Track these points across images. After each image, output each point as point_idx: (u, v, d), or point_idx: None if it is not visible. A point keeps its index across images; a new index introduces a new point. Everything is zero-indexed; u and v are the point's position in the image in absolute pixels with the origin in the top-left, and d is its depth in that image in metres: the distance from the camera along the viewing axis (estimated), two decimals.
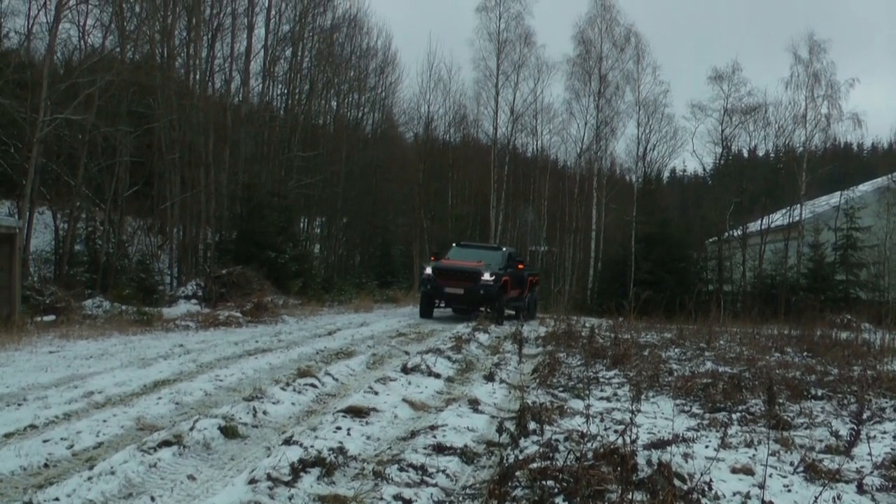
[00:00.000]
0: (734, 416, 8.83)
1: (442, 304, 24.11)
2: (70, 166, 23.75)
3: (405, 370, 11.20)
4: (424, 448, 6.80)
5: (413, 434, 7.50)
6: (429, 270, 23.46)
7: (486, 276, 22.63)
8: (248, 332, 17.27)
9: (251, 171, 30.88)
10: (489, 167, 42.17)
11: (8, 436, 6.84)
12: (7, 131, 22.75)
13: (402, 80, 49.48)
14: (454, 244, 27.72)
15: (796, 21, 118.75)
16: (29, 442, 6.51)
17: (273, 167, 33.09)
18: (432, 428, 7.54)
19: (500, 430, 6.87)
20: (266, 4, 31.85)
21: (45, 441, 6.54)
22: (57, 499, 5.09)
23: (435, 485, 5.87)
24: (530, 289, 27.33)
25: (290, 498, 5.28)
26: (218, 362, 11.85)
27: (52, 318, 17.30)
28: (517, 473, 5.84)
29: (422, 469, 6.13)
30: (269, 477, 5.51)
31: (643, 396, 9.89)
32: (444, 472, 6.12)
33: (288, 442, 6.61)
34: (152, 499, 5.30)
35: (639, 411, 8.60)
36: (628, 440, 6.22)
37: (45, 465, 6.00)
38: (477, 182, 45.32)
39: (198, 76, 30.05)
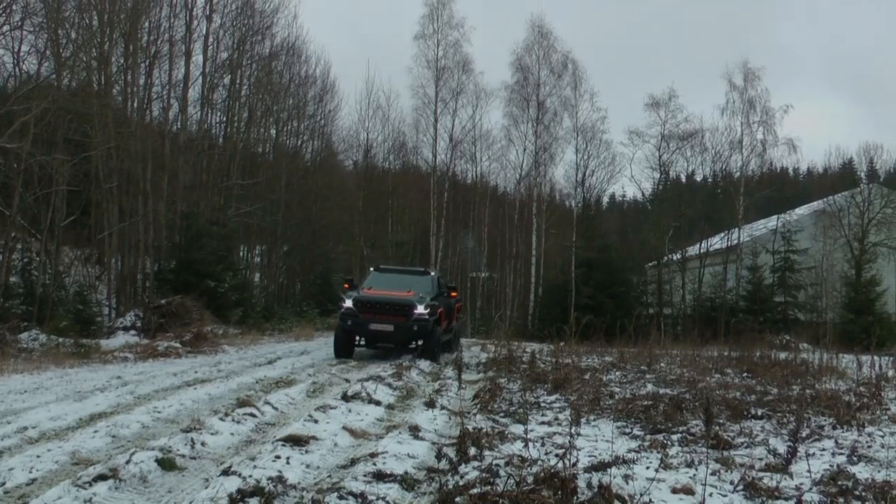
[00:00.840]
0: (675, 436, 8.93)
1: (362, 343, 20.16)
2: (4, 196, 23.26)
3: (345, 398, 11.15)
4: (364, 475, 6.75)
5: (353, 462, 7.45)
6: (349, 303, 19.27)
7: (421, 309, 18.96)
8: (187, 362, 17.02)
9: (190, 200, 30.55)
10: (429, 194, 42.34)
11: None
12: None
13: (341, 108, 49.76)
14: (371, 269, 23.27)
15: (731, 49, 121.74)
16: None
17: (212, 195, 32.73)
18: (372, 455, 7.49)
19: (439, 456, 6.84)
20: (204, 31, 31.70)
21: None
22: None
23: None
24: (456, 317, 24.14)
25: None
26: (156, 394, 11.65)
27: None
28: (458, 499, 5.83)
29: (361, 497, 6.08)
30: None
31: (584, 420, 9.95)
32: (384, 499, 6.08)
33: (226, 472, 6.52)
34: None
35: (579, 434, 8.66)
36: (568, 463, 6.25)
37: None
38: (417, 209, 45.49)
39: (135, 104, 29.73)
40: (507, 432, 8.73)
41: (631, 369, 16.47)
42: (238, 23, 33.84)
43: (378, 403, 11.20)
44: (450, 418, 10.31)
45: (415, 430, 8.96)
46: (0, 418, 9.09)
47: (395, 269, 23.76)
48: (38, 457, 7.14)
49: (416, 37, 42.11)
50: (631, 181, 75.64)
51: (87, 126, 26.04)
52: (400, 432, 8.77)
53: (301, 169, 42.61)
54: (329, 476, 6.95)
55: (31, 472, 6.66)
